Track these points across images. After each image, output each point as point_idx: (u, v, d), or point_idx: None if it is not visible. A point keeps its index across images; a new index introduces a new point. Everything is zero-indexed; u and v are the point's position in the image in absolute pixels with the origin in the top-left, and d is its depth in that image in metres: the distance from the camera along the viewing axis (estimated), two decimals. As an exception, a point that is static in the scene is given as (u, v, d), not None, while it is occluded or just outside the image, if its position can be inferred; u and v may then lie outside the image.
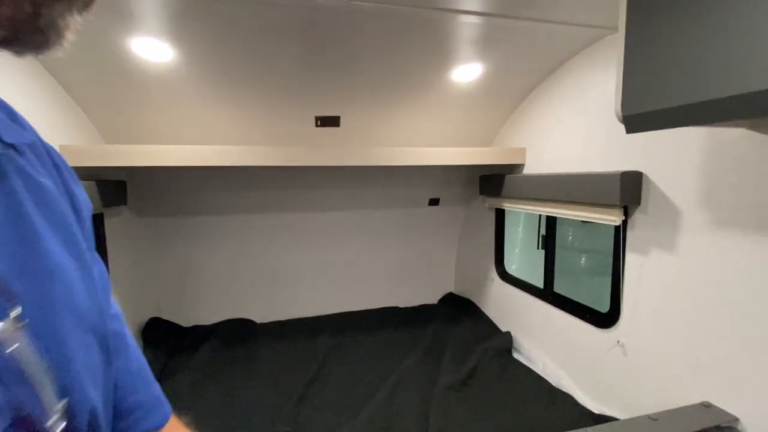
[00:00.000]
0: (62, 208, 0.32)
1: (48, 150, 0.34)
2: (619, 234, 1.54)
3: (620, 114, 0.96)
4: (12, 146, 0.27)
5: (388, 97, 2.00)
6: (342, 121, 2.12)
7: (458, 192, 2.82)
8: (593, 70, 1.68)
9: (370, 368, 2.04)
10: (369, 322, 2.63)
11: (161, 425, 0.43)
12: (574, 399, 1.71)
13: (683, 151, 1.29)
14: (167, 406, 0.45)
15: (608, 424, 1.14)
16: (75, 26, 0.26)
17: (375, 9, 1.31)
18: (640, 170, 1.44)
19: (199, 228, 2.48)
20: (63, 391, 0.26)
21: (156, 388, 0.45)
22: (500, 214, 2.51)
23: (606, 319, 1.64)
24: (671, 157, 1.34)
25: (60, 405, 0.25)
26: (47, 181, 0.31)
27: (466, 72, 1.86)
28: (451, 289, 3.09)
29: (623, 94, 0.95)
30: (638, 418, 1.13)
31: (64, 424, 0.25)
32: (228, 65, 1.66)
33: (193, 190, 2.35)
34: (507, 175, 2.20)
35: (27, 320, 0.24)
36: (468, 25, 1.50)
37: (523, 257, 3.42)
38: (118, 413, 0.38)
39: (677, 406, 1.17)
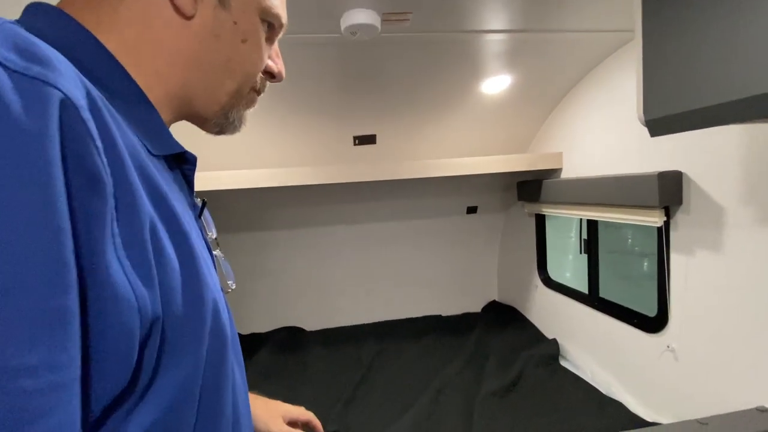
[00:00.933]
0: None
1: None
2: (662, 236, 1.51)
3: (642, 118, 0.99)
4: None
5: (422, 113, 2.10)
6: (378, 138, 2.24)
7: (496, 199, 2.83)
8: (624, 73, 1.67)
9: (414, 374, 2.10)
10: (412, 329, 2.70)
11: None
12: (625, 407, 1.66)
13: (723, 148, 1.26)
14: None
15: (654, 427, 1.13)
16: (248, 116, 0.50)
17: (405, 38, 1.42)
18: (680, 169, 1.42)
19: (250, 243, 2.70)
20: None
21: None
22: (540, 220, 2.50)
23: (654, 323, 1.59)
24: (711, 155, 1.31)
25: (231, 282, 0.54)
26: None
27: (497, 84, 1.92)
28: (495, 296, 3.08)
29: (644, 98, 0.97)
30: (687, 422, 1.11)
31: (232, 288, 0.54)
32: (273, 94, 1.84)
33: (244, 209, 2.57)
34: (545, 180, 2.20)
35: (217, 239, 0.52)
36: (495, 42, 1.57)
37: (575, 263, 3.32)
38: None
39: (732, 411, 1.13)
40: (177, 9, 0.37)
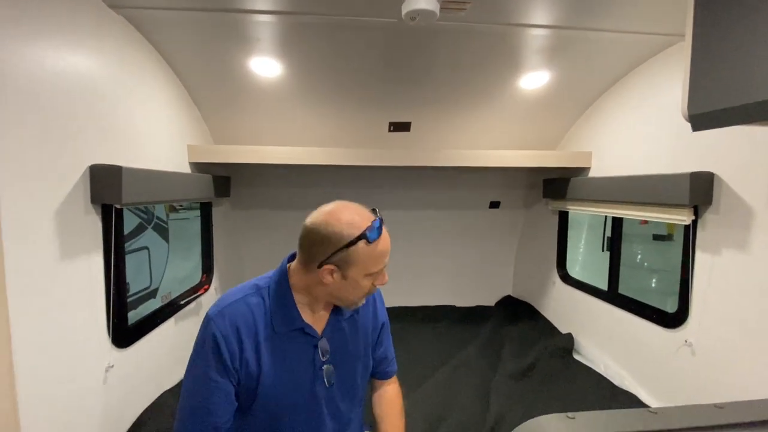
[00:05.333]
0: (366, 327, 1.03)
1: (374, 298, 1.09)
2: (689, 234, 1.56)
3: (686, 113, 1.05)
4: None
5: (456, 104, 2.17)
6: (412, 126, 2.32)
7: (520, 196, 2.89)
8: (663, 76, 1.72)
9: (430, 354, 2.19)
10: (428, 316, 2.78)
11: (393, 374, 1.10)
12: (637, 397, 1.72)
13: (755, 152, 1.32)
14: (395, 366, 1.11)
15: (671, 407, 1.19)
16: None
17: (454, 27, 1.49)
18: (711, 171, 1.47)
19: (279, 221, 2.80)
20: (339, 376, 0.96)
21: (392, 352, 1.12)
22: (563, 217, 2.55)
23: (674, 318, 1.65)
24: (743, 158, 1.36)
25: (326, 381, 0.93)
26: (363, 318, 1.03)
27: (534, 79, 1.98)
28: (509, 292, 3.14)
29: (690, 93, 1.03)
30: (703, 405, 1.17)
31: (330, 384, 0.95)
32: (320, 79, 1.93)
33: (277, 188, 2.67)
34: (572, 178, 2.26)
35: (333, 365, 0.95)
36: (537, 37, 1.63)
37: (586, 262, 3.37)
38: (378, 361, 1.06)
39: (747, 401, 1.18)
40: (322, 282, 0.86)
